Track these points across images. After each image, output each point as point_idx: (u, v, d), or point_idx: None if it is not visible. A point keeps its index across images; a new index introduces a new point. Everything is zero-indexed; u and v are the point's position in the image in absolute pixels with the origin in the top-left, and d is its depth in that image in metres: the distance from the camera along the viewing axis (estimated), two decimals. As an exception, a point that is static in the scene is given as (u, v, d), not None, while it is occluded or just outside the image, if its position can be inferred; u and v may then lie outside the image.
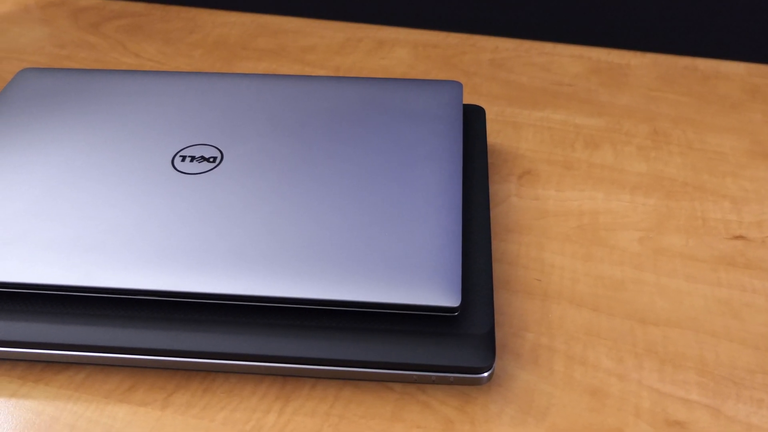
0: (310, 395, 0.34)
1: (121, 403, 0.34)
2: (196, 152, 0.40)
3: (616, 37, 0.58)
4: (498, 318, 0.37)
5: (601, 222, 0.43)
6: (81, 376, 0.35)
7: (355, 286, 0.33)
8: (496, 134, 0.50)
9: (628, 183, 0.45)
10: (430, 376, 0.33)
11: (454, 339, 0.33)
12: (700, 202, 0.44)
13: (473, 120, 0.46)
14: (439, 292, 0.32)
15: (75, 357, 0.34)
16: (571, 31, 0.59)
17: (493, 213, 0.43)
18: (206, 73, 0.46)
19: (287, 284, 0.33)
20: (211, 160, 0.39)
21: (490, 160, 0.47)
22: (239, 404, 0.34)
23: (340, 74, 0.57)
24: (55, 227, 0.35)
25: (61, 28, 0.64)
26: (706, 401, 0.33)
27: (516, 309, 0.38)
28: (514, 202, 0.44)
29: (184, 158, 0.39)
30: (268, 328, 0.34)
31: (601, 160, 0.47)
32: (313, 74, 0.56)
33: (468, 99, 0.54)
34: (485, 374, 0.33)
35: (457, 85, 0.45)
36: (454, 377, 0.33)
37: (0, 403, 0.34)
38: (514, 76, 0.56)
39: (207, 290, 0.33)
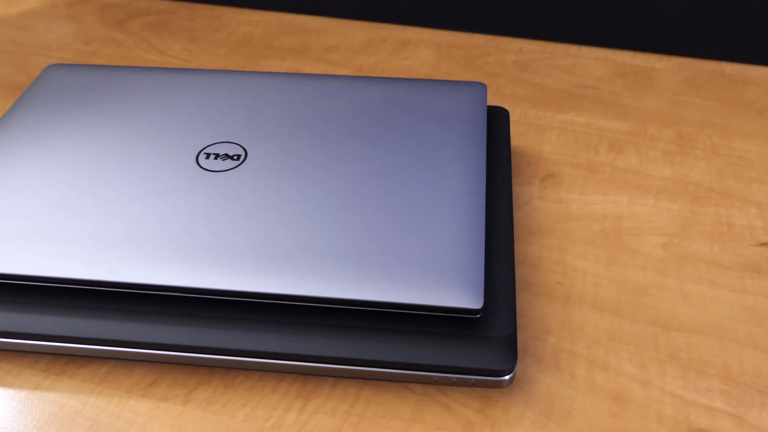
0: (331, 394, 0.34)
1: (143, 398, 0.34)
2: (221, 150, 0.40)
3: (641, 40, 0.58)
4: (519, 321, 0.37)
5: (625, 226, 0.42)
6: (104, 370, 0.35)
7: (378, 287, 0.33)
8: (519, 136, 0.50)
9: (652, 187, 0.45)
10: (451, 377, 0.33)
11: (476, 341, 0.33)
12: (726, 207, 0.44)
13: (497, 122, 0.46)
14: (462, 294, 0.32)
15: (98, 351, 0.34)
16: (596, 33, 0.59)
17: (516, 215, 0.43)
18: (231, 71, 0.47)
19: (310, 283, 0.33)
20: (235, 157, 0.39)
21: (513, 162, 0.47)
22: (260, 401, 0.34)
23: (363, 74, 0.57)
24: (80, 222, 0.36)
25: (87, 24, 0.64)
26: (730, 409, 0.33)
27: (537, 312, 0.38)
28: (536, 204, 0.44)
29: (208, 155, 0.40)
30: (290, 327, 0.34)
31: (625, 163, 0.47)
32: (336, 74, 0.57)
33: (491, 100, 0.53)
34: (506, 377, 0.33)
35: (481, 87, 0.45)
36: (475, 379, 0.33)
37: (24, 395, 0.34)
38: (538, 78, 0.56)
39: (230, 287, 0.33)
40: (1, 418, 0.33)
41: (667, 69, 0.57)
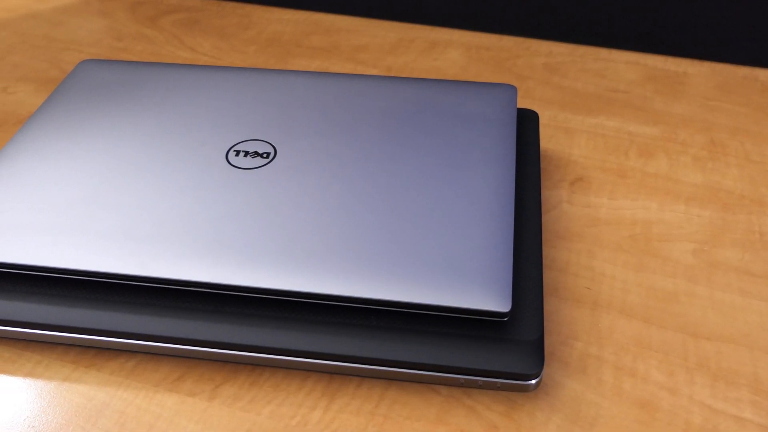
0: (356, 394, 0.34)
1: (170, 393, 0.34)
2: (250, 147, 0.40)
3: (673, 45, 0.57)
4: (546, 325, 0.37)
5: (655, 232, 0.42)
6: (131, 364, 0.35)
7: (405, 287, 0.32)
8: (548, 139, 0.49)
9: (682, 194, 0.45)
10: (477, 380, 0.33)
11: (503, 344, 0.33)
12: (758, 215, 0.43)
13: (526, 124, 0.46)
14: (490, 297, 0.32)
15: (126, 345, 0.35)
16: (627, 37, 0.58)
17: (544, 219, 0.43)
18: (261, 69, 0.47)
19: (337, 282, 0.33)
20: (265, 155, 0.40)
21: (541, 166, 0.47)
22: (285, 399, 0.34)
23: (392, 74, 0.57)
24: (110, 216, 0.36)
25: (119, 20, 0.65)
26: (760, 420, 0.33)
27: (565, 317, 0.37)
28: (565, 208, 0.44)
29: (238, 153, 0.40)
30: (317, 325, 0.34)
31: (655, 169, 0.47)
32: (365, 73, 0.57)
33: (521, 103, 0.53)
34: (533, 381, 0.32)
35: (511, 89, 0.45)
36: (501, 383, 0.33)
37: (53, 387, 0.34)
38: (568, 82, 0.55)
39: (257, 285, 0.33)
40: (30, 408, 0.34)
41: (699, 74, 0.56)
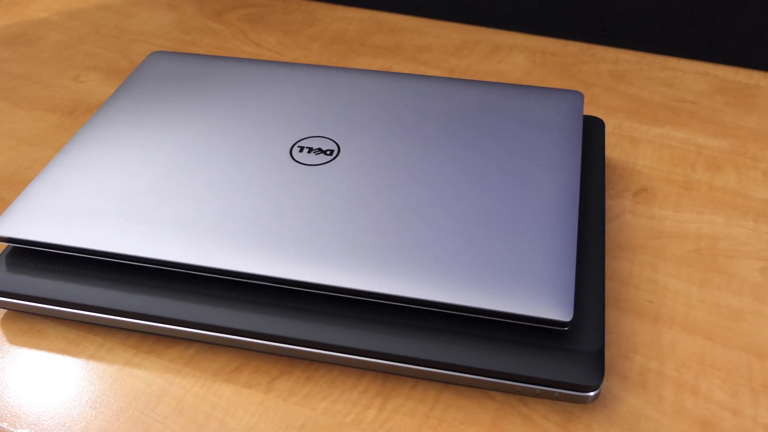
0: (411, 395, 0.34)
1: (227, 383, 0.35)
2: (314, 144, 0.40)
3: (745, 56, 0.56)
4: (607, 337, 0.36)
5: (721, 248, 0.41)
6: (190, 352, 0.36)
7: (466, 291, 0.32)
8: (612, 148, 0.49)
9: (751, 209, 0.43)
10: (535, 389, 0.32)
11: (563, 354, 0.32)
12: (830, 235, 0.42)
13: (592, 132, 0.45)
14: (552, 305, 0.32)
15: (186, 333, 0.35)
16: (697, 46, 0.57)
17: (606, 229, 0.42)
18: (326, 67, 0.47)
19: (398, 282, 0.33)
20: (329, 152, 0.40)
21: (605, 174, 0.46)
22: (340, 396, 0.34)
23: (455, 76, 0.56)
24: (176, 207, 0.37)
25: (186, 14, 0.66)
26: (828, 447, 0.32)
27: (625, 329, 0.37)
28: (628, 219, 0.43)
29: (302, 149, 0.40)
30: (375, 324, 0.34)
31: (723, 183, 0.45)
32: (427, 74, 0.56)
33: (585, 110, 0.52)
34: (592, 393, 0.32)
35: (577, 95, 0.44)
36: (559, 393, 0.32)
37: (115, 370, 0.35)
38: (635, 90, 0.54)
39: (317, 281, 0.33)
40: (92, 390, 0.34)
41: (771, 87, 0.54)
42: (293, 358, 0.36)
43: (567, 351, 0.32)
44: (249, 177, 0.38)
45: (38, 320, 0.38)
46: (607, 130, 0.50)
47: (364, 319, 0.34)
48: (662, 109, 0.52)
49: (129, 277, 0.36)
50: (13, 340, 0.37)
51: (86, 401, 0.34)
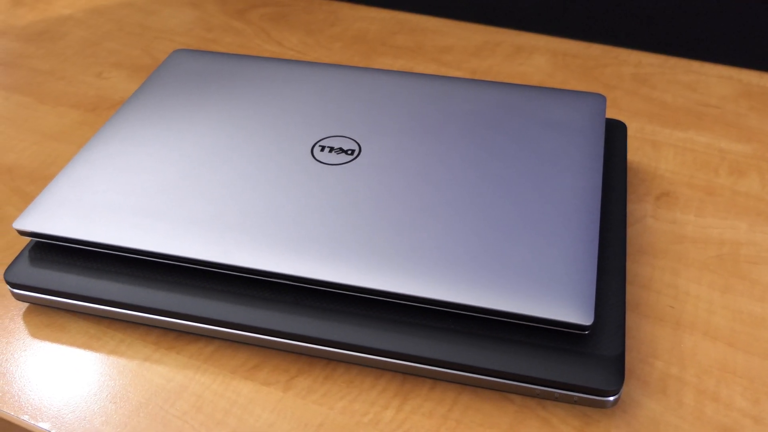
0: (429, 396, 0.34)
1: (246, 380, 0.35)
2: (335, 143, 0.40)
3: (770, 61, 0.55)
4: (627, 342, 0.36)
5: (743, 254, 0.41)
6: (210, 349, 0.36)
7: (486, 293, 0.32)
8: (634, 151, 0.48)
9: (775, 215, 0.43)
10: (554, 392, 0.32)
11: (583, 358, 0.32)
12: None
13: (614, 135, 0.45)
14: (572, 309, 0.31)
15: (206, 330, 0.35)
16: (722, 50, 0.56)
17: (627, 233, 0.42)
18: (347, 66, 0.47)
19: (417, 283, 0.33)
20: (350, 152, 0.40)
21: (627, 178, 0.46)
22: (358, 395, 0.34)
23: (477, 77, 0.56)
24: (197, 204, 0.37)
25: (209, 12, 0.66)
26: None
27: (646, 334, 0.36)
28: (649, 223, 0.43)
29: (323, 148, 0.40)
30: (394, 324, 0.34)
31: (746, 188, 0.45)
32: (448, 75, 0.56)
33: (607, 113, 0.52)
34: (611, 398, 0.32)
35: (600, 98, 0.44)
36: (578, 397, 0.32)
37: (134, 365, 0.35)
38: (657, 93, 0.54)
39: (337, 280, 0.33)
40: (111, 385, 0.35)
41: (797, 92, 0.54)
42: (312, 357, 0.36)
43: (587, 355, 0.32)
44: (270, 176, 0.38)
45: (60, 314, 0.38)
46: (629, 133, 0.50)
47: (383, 319, 0.34)
48: (685, 113, 0.52)
49: (150, 274, 0.36)
50: (36, 334, 0.37)
51: (106, 396, 0.34)
